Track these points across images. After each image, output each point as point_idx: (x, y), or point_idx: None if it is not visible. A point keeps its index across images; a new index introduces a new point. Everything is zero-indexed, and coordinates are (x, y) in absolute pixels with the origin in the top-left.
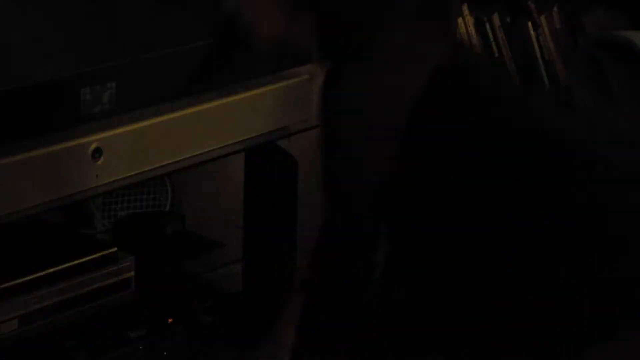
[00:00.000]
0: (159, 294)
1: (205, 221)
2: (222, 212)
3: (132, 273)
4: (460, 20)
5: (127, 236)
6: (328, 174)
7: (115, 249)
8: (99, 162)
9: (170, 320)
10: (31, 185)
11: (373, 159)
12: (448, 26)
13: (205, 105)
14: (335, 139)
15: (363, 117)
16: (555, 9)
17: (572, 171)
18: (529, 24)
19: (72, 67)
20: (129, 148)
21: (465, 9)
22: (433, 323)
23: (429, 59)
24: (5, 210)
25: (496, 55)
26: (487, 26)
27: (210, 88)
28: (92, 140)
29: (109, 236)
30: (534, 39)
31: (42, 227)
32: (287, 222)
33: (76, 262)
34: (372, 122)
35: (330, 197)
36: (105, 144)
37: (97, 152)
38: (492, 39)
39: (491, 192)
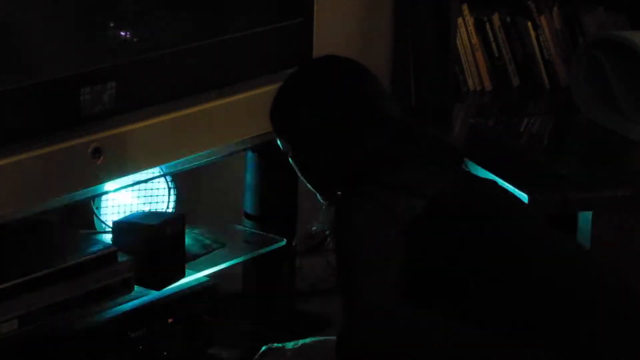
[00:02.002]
0: (159, 294)
1: (205, 221)
2: (222, 212)
3: (132, 273)
4: (460, 20)
5: (127, 236)
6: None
7: (115, 249)
8: (99, 162)
9: (170, 320)
10: (31, 185)
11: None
12: (452, 165)
13: (205, 105)
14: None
15: (372, 234)
16: (555, 9)
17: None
18: (529, 24)
19: (72, 67)
20: (129, 148)
21: (465, 9)
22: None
23: (428, 192)
24: (5, 210)
25: (496, 55)
26: (487, 26)
27: (210, 88)
28: (92, 140)
29: (108, 236)
30: (534, 39)
31: (42, 227)
32: (288, 221)
33: (76, 262)
34: (379, 237)
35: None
36: (105, 144)
37: (97, 152)
38: (492, 39)
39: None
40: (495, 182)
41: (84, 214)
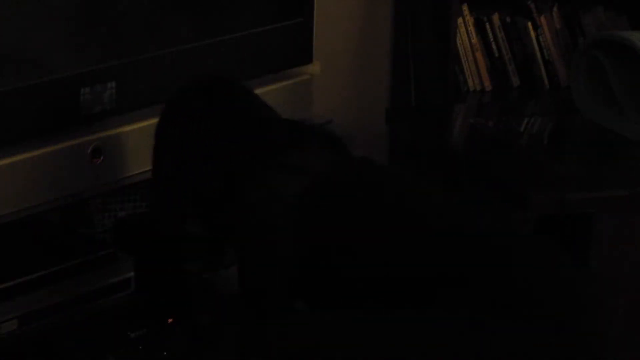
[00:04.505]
0: (159, 294)
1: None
2: None
3: (132, 273)
4: (460, 20)
5: (126, 236)
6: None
7: (115, 248)
8: (99, 162)
9: (170, 320)
10: (31, 185)
11: (273, 249)
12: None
13: None
14: (246, 237)
15: (261, 216)
16: (555, 9)
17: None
18: (529, 24)
19: (72, 67)
20: (129, 148)
21: (465, 9)
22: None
23: (310, 171)
24: (5, 210)
25: (496, 55)
26: (487, 26)
27: None
28: (92, 140)
29: (108, 236)
30: (534, 39)
31: (42, 227)
32: None
33: (76, 262)
34: (267, 219)
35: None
36: (105, 144)
37: (97, 152)
38: (492, 39)
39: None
40: (367, 158)
41: (84, 214)
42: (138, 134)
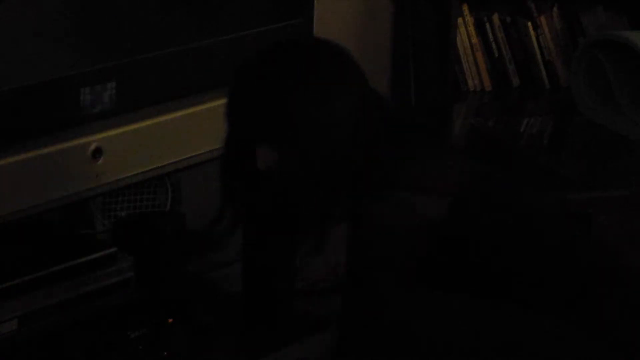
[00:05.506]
0: (159, 294)
1: (206, 221)
2: None
3: (132, 273)
4: (460, 20)
5: (127, 236)
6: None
7: (115, 249)
8: (99, 162)
9: (170, 320)
10: (31, 185)
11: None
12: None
13: (205, 105)
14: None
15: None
16: (555, 9)
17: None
18: (529, 24)
19: (72, 67)
20: (129, 148)
21: (465, 9)
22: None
23: (446, 191)
24: (5, 210)
25: (496, 55)
26: (487, 26)
27: (210, 88)
28: (92, 140)
29: (108, 236)
30: (534, 39)
31: (42, 227)
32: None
33: (76, 262)
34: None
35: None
36: (105, 144)
37: (97, 152)
38: (492, 39)
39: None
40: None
41: (84, 214)
42: (138, 134)
